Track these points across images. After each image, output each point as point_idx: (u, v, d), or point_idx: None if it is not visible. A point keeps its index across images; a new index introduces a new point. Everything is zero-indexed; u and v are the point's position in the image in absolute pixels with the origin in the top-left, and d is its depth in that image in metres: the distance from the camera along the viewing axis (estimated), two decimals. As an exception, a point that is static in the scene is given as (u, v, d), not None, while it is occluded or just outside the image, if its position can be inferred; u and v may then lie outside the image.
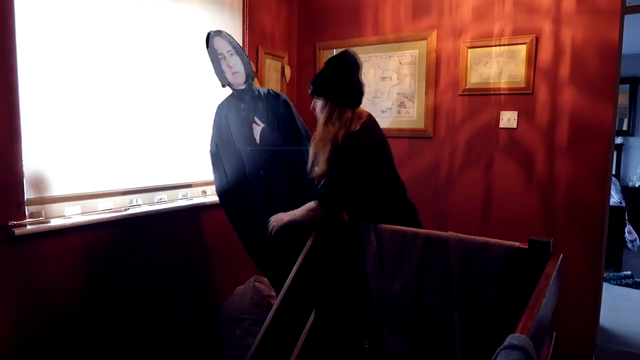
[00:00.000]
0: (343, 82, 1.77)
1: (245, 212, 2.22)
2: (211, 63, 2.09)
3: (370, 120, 1.88)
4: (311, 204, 1.88)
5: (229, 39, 2.06)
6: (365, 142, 1.80)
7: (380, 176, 1.88)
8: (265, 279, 2.57)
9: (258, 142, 2.12)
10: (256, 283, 2.58)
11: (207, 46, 2.07)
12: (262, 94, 2.14)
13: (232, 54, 2.06)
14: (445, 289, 1.65)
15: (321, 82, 1.80)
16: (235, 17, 2.62)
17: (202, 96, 2.46)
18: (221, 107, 2.19)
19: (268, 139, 2.12)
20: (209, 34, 2.04)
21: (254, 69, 2.09)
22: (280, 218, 1.98)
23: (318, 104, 1.82)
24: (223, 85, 2.12)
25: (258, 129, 2.12)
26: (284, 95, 2.17)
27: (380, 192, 1.89)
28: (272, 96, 2.14)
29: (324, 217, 1.88)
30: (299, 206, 1.94)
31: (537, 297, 1.15)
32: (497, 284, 1.55)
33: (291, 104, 2.15)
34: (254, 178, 2.18)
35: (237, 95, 2.14)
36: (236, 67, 2.08)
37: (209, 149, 2.23)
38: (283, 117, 2.09)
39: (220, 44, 2.05)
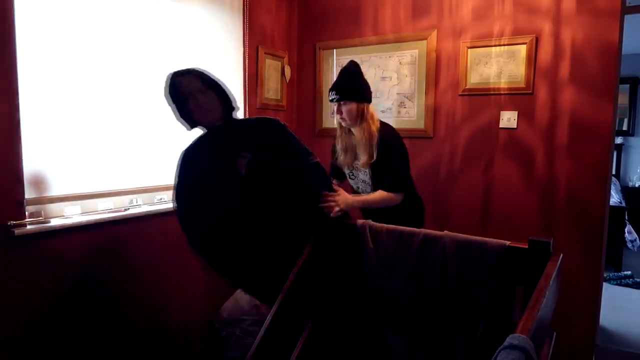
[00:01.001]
0: (365, 83, 2.08)
1: (241, 261, 1.95)
2: (171, 107, 1.78)
3: None
4: (378, 194, 2.02)
5: (202, 76, 1.75)
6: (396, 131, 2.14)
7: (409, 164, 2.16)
8: None
9: (243, 174, 1.86)
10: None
11: (169, 90, 1.74)
12: (251, 123, 1.98)
13: (203, 92, 1.78)
14: (443, 286, 1.66)
15: (351, 88, 2.02)
16: (235, 17, 2.62)
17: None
18: (188, 154, 1.87)
19: (261, 169, 1.87)
20: (172, 75, 1.72)
21: (236, 105, 1.82)
22: (341, 204, 1.88)
23: (347, 107, 2.01)
24: (189, 129, 1.84)
25: (242, 162, 1.88)
26: (276, 121, 1.87)
27: (410, 180, 2.20)
28: (262, 124, 1.89)
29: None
30: (295, 225, 1.89)
31: (537, 297, 1.15)
32: (493, 278, 1.56)
33: (286, 127, 1.86)
34: (242, 216, 1.91)
35: (211, 133, 1.87)
36: (208, 104, 1.79)
37: (174, 207, 1.87)
38: (277, 143, 1.86)
39: (190, 84, 1.75)
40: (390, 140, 2.05)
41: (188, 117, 1.81)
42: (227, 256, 1.95)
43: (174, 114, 1.79)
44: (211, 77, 1.77)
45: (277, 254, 1.92)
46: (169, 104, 1.77)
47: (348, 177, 2.22)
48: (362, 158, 2.05)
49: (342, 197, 1.91)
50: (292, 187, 1.87)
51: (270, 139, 1.86)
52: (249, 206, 1.89)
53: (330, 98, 2.05)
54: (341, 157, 2.16)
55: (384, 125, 2.09)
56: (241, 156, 1.86)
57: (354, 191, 2.21)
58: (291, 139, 1.84)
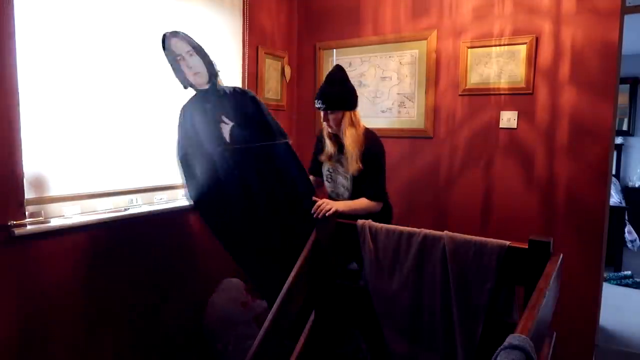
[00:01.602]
0: (351, 90, 2.11)
1: (228, 219, 2.13)
2: (170, 66, 1.95)
3: None
4: (363, 202, 2.05)
5: (188, 39, 1.93)
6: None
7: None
8: (235, 279, 2.57)
9: (229, 141, 2.03)
10: (231, 282, 2.57)
11: (164, 48, 1.92)
12: (228, 92, 2.04)
13: (191, 54, 1.94)
14: (443, 286, 1.66)
15: (337, 97, 2.05)
16: (236, 17, 2.62)
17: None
18: (185, 109, 2.07)
19: (239, 137, 2.03)
20: (164, 35, 1.89)
21: (217, 68, 2.00)
22: (333, 206, 1.94)
23: (333, 116, 2.06)
24: (185, 87, 2.01)
25: (227, 127, 2.04)
26: (251, 92, 2.06)
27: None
28: (239, 93, 2.04)
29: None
30: (278, 204, 2.05)
31: (537, 297, 1.15)
32: (493, 278, 1.56)
33: (260, 100, 2.03)
34: (228, 180, 2.07)
35: (201, 95, 2.03)
36: (197, 67, 1.96)
37: (176, 155, 2.07)
38: (252, 114, 2.01)
39: (178, 45, 1.92)
40: (376, 150, 2.10)
41: (182, 78, 1.98)
42: (220, 213, 2.16)
43: (174, 72, 1.96)
44: (195, 41, 1.94)
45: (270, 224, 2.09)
46: (169, 63, 1.95)
47: (325, 179, 2.24)
48: (353, 165, 2.06)
49: (327, 201, 1.97)
50: (265, 164, 2.05)
51: (246, 107, 2.00)
52: (235, 167, 2.07)
53: (316, 105, 2.07)
54: (323, 158, 2.20)
55: (367, 132, 2.12)
56: (224, 122, 2.04)
57: (328, 196, 2.24)
58: (263, 112, 2.00)
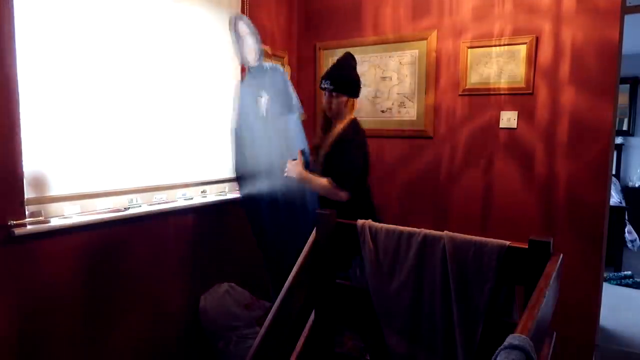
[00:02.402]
0: (358, 78, 2.14)
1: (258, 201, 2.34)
2: (234, 43, 2.30)
3: None
4: (324, 181, 2.03)
5: (247, 23, 2.31)
6: (363, 130, 2.17)
7: (367, 168, 2.17)
8: (233, 283, 2.57)
9: (264, 114, 2.32)
10: (232, 286, 2.57)
11: (231, 28, 2.28)
12: (268, 68, 2.38)
13: (250, 36, 2.30)
14: (443, 286, 1.66)
15: (346, 81, 2.08)
16: (235, 17, 2.62)
17: (201, 96, 2.46)
18: (241, 85, 2.40)
19: (271, 110, 2.31)
20: (233, 17, 2.28)
21: (263, 47, 2.38)
22: (299, 172, 2.09)
23: (338, 100, 2.08)
24: (240, 63, 2.38)
25: (263, 101, 2.32)
26: (280, 68, 2.46)
27: (365, 184, 2.17)
28: (274, 69, 2.39)
29: (330, 200, 2.04)
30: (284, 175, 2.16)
31: (537, 297, 1.15)
32: (493, 278, 1.56)
33: (286, 75, 2.42)
34: (262, 150, 2.34)
35: (251, 72, 2.36)
36: (251, 46, 2.32)
37: (231, 126, 2.37)
38: (280, 87, 2.32)
39: (242, 27, 2.30)
40: (351, 137, 2.08)
41: (242, 55, 2.32)
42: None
43: (236, 49, 2.31)
44: (252, 25, 2.32)
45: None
46: (233, 40, 2.29)
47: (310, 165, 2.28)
48: (324, 148, 2.09)
49: (296, 168, 2.09)
50: (286, 137, 2.29)
51: (277, 83, 2.33)
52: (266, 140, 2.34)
53: (322, 86, 2.10)
54: (314, 144, 2.23)
55: (354, 122, 2.13)
56: (261, 96, 2.33)
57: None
58: (288, 87, 2.31)
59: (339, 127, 2.10)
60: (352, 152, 2.06)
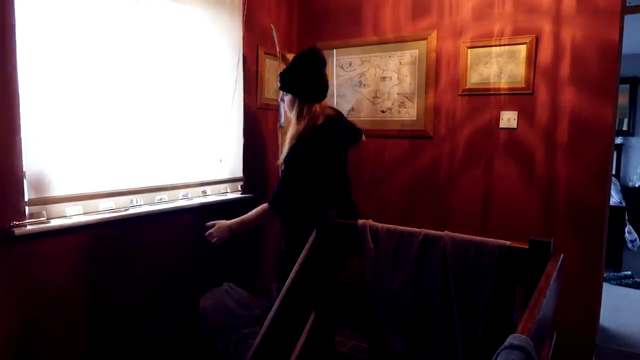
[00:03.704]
0: (312, 78, 1.84)
1: None
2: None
3: (337, 117, 2.03)
4: (259, 208, 1.94)
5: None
6: (320, 140, 1.90)
7: (328, 175, 1.98)
8: (231, 283, 2.57)
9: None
10: (231, 286, 2.57)
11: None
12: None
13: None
14: (444, 286, 1.66)
15: (291, 78, 1.84)
16: (235, 17, 2.62)
17: (201, 96, 2.46)
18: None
19: None
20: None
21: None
22: (224, 228, 1.93)
23: (286, 98, 1.89)
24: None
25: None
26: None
27: (326, 190, 2.00)
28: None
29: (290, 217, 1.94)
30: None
31: (537, 297, 1.15)
32: (494, 278, 1.56)
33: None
34: None
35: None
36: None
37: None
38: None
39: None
40: (293, 151, 1.85)
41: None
42: None
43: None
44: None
45: None
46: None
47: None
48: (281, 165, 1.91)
49: (218, 228, 1.94)
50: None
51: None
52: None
53: (277, 83, 1.97)
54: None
55: (311, 134, 1.88)
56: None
57: None
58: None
59: (294, 137, 1.86)
60: (290, 169, 1.86)
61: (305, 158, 1.87)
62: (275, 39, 2.61)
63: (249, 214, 1.95)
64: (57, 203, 1.84)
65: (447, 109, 2.68)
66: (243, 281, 2.61)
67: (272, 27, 2.56)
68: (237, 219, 1.97)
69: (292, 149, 1.86)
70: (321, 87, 1.87)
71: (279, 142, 2.12)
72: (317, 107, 1.88)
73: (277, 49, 2.51)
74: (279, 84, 1.91)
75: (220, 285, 2.56)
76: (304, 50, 1.90)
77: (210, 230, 1.97)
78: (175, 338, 2.41)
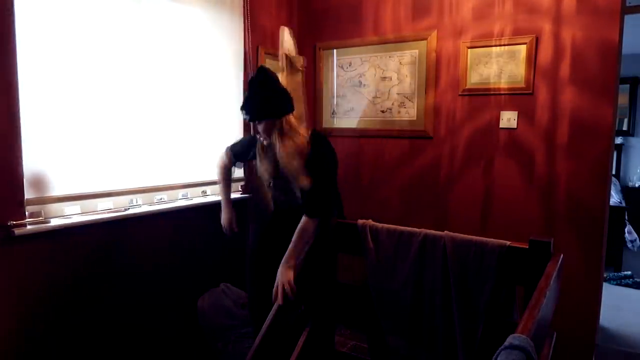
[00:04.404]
0: (279, 93, 1.84)
1: None
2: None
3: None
4: (305, 225, 1.81)
5: None
6: (329, 142, 1.93)
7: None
8: (228, 284, 2.57)
9: None
10: (228, 286, 2.57)
11: None
12: None
13: None
14: (444, 286, 1.66)
15: (263, 105, 1.79)
16: (236, 17, 2.62)
17: (201, 96, 2.46)
18: None
19: None
20: None
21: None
22: (289, 277, 1.76)
23: (262, 126, 1.84)
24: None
25: None
26: None
27: (338, 195, 2.05)
28: None
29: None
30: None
31: (537, 297, 1.15)
32: (494, 278, 1.56)
33: None
34: None
35: None
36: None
37: None
38: None
39: None
40: (321, 154, 1.85)
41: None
42: None
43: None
44: None
45: None
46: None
47: (267, 185, 2.04)
48: (300, 182, 1.82)
49: (280, 277, 1.76)
50: None
51: None
52: None
53: (243, 117, 1.88)
54: (261, 168, 1.97)
55: (315, 137, 1.88)
56: None
57: (272, 198, 2.10)
58: None
59: (295, 151, 1.81)
60: (327, 172, 1.86)
61: (332, 160, 1.89)
62: (288, 40, 2.55)
63: (295, 242, 1.81)
64: (56, 203, 1.84)
65: (447, 109, 2.68)
66: (239, 281, 2.61)
67: (286, 30, 2.50)
68: (288, 256, 1.79)
69: (315, 153, 1.83)
70: (288, 99, 1.86)
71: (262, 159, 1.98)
72: (292, 118, 1.87)
73: (282, 52, 2.47)
74: (247, 116, 1.84)
75: (217, 286, 2.56)
76: (255, 72, 1.87)
77: (279, 290, 1.75)
78: (174, 338, 2.41)
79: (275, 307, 1.76)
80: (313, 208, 1.83)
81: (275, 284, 1.77)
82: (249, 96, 1.85)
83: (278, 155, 1.84)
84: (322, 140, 1.89)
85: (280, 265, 1.79)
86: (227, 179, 2.25)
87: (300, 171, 1.82)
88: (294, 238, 1.82)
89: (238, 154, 2.17)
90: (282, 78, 2.38)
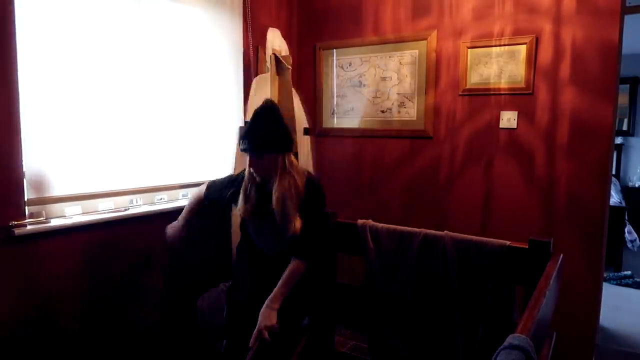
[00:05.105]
0: (285, 129, 1.75)
1: None
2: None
3: None
4: (295, 267, 1.75)
5: None
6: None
7: None
8: (227, 283, 2.56)
9: None
10: (227, 285, 2.56)
11: None
12: None
13: None
14: (444, 286, 1.66)
15: (271, 137, 1.69)
16: (235, 17, 2.62)
17: (201, 96, 2.46)
18: None
19: None
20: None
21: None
22: (272, 321, 1.67)
23: (264, 161, 1.71)
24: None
25: None
26: None
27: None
28: None
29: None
30: None
31: (537, 297, 1.15)
32: (494, 278, 1.56)
33: None
34: None
35: None
36: None
37: None
38: None
39: None
40: (319, 200, 1.81)
41: None
42: None
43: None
44: None
45: None
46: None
47: (249, 230, 1.89)
48: (290, 226, 1.71)
49: (262, 320, 1.66)
50: None
51: None
52: None
53: (241, 148, 1.73)
54: (245, 206, 1.79)
55: (310, 179, 1.81)
56: None
57: (248, 248, 1.92)
58: None
59: (294, 191, 1.72)
60: (322, 220, 1.84)
61: (325, 205, 1.85)
62: (278, 40, 2.55)
63: (285, 280, 1.74)
64: (56, 203, 1.84)
65: (447, 109, 2.68)
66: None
67: (277, 32, 2.48)
68: (273, 298, 1.71)
69: (311, 197, 1.78)
70: (291, 135, 1.79)
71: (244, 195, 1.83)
72: (292, 156, 1.79)
73: (269, 53, 2.47)
74: (248, 146, 1.70)
75: (217, 286, 2.55)
76: (262, 105, 1.77)
77: (263, 331, 1.65)
78: (174, 338, 2.41)
79: (251, 353, 1.65)
80: (306, 251, 1.78)
81: (257, 327, 1.65)
82: (252, 127, 1.73)
83: (274, 193, 1.71)
84: (318, 184, 1.84)
85: (264, 307, 1.69)
86: (196, 207, 2.04)
87: (293, 213, 1.71)
88: (281, 281, 1.74)
89: (213, 198, 1.98)
90: (270, 78, 2.38)
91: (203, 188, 2.03)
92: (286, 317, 1.72)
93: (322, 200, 1.83)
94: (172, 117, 2.31)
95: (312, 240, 1.78)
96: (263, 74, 2.53)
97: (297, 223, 1.72)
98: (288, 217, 1.71)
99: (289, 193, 1.71)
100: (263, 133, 1.69)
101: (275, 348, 1.70)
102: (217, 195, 1.95)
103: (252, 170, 1.73)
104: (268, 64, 2.40)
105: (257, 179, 1.75)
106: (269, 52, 2.44)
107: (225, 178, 1.99)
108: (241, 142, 1.72)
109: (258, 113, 1.74)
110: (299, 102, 2.71)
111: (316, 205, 1.80)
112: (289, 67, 2.50)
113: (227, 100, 2.60)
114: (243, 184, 1.80)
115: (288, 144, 1.75)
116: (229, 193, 1.87)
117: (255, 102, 2.36)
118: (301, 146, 2.58)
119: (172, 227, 2.05)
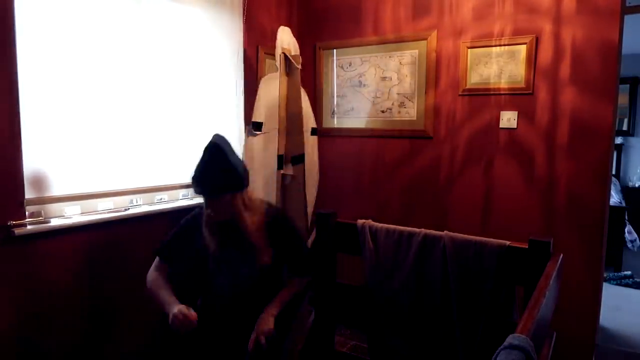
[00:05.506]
0: (239, 164, 1.68)
1: None
2: None
3: None
4: (298, 282, 1.84)
5: None
6: None
7: None
8: None
9: None
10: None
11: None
12: None
13: None
14: (443, 286, 1.66)
15: (222, 177, 1.62)
16: (235, 17, 2.62)
17: (201, 96, 2.46)
18: None
19: None
20: None
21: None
22: (269, 326, 1.66)
23: (219, 202, 1.64)
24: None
25: None
26: None
27: None
28: None
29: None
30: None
31: (537, 297, 1.15)
32: (493, 278, 1.56)
33: None
34: None
35: None
36: None
37: None
38: None
39: None
40: (284, 218, 1.84)
41: None
42: None
43: None
44: None
45: None
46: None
47: (211, 270, 1.81)
48: (258, 258, 1.70)
49: (261, 326, 1.65)
50: None
51: None
52: None
53: (195, 191, 1.69)
54: (213, 239, 1.72)
55: (267, 209, 1.79)
56: None
57: (216, 291, 1.83)
58: None
59: (256, 228, 1.69)
60: (299, 231, 1.91)
61: (293, 222, 1.93)
62: (289, 40, 2.52)
63: (286, 292, 1.79)
64: (56, 203, 1.83)
65: (447, 109, 2.68)
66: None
67: (287, 30, 2.46)
68: (273, 305, 1.73)
69: (275, 220, 1.78)
70: (246, 169, 1.73)
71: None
72: (248, 190, 1.74)
73: (279, 52, 2.45)
74: (200, 189, 1.65)
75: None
76: (210, 142, 1.68)
77: (260, 336, 1.64)
78: (174, 338, 2.40)
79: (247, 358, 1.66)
80: (304, 268, 1.86)
81: (255, 332, 1.64)
82: (202, 167, 1.63)
83: (244, 232, 1.68)
84: (277, 209, 1.91)
85: (263, 312, 1.69)
86: (165, 284, 1.83)
87: (264, 245, 1.71)
88: (283, 291, 1.79)
89: (174, 256, 1.84)
90: (280, 78, 2.37)
91: (153, 265, 1.85)
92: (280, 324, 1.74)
93: (288, 220, 1.87)
94: (172, 116, 2.30)
95: (304, 256, 1.86)
96: (272, 74, 2.52)
97: (265, 255, 1.72)
98: (256, 250, 1.70)
99: (257, 228, 1.70)
100: (214, 174, 1.62)
101: (271, 353, 1.71)
102: (178, 248, 1.82)
103: (210, 213, 1.66)
104: (277, 63, 2.38)
105: (216, 221, 1.69)
106: (278, 51, 2.42)
107: (172, 231, 1.86)
108: (194, 185, 1.64)
109: (207, 151, 1.65)
110: (308, 101, 2.71)
111: (287, 227, 1.83)
112: (299, 66, 2.48)
113: (227, 100, 2.60)
114: (204, 222, 1.72)
115: (243, 181, 1.67)
116: (192, 236, 1.77)
117: (264, 102, 2.37)
118: (307, 146, 2.58)
119: (177, 319, 1.71)
